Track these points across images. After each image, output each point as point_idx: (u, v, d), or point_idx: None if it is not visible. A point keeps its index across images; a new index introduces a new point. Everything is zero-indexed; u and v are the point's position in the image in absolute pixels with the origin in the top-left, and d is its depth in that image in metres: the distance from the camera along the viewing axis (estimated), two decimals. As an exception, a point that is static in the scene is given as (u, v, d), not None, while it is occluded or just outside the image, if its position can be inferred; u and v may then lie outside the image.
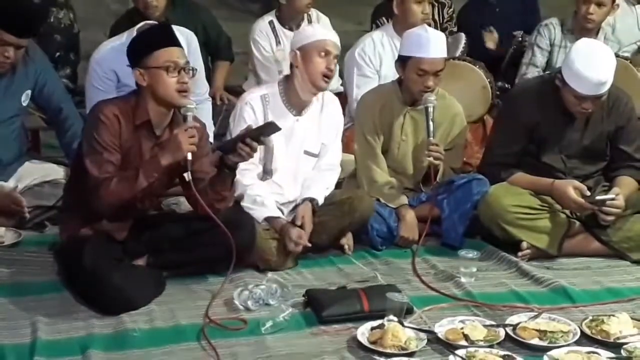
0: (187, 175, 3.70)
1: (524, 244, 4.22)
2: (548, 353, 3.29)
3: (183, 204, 4.26)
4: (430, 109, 4.27)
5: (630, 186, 4.30)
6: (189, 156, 3.66)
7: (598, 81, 4.04)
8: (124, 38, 4.64)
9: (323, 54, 4.14)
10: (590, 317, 3.55)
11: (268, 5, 6.53)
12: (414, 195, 4.54)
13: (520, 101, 4.36)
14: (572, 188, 4.16)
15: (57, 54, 5.49)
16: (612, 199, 4.13)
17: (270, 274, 3.94)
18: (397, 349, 3.30)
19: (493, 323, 3.52)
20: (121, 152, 3.73)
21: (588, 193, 4.16)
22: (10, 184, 4.46)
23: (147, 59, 3.71)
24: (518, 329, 3.45)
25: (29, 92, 4.52)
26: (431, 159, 4.25)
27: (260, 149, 3.93)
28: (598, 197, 4.17)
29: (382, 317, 3.44)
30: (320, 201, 4.21)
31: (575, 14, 5.46)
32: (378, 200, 4.38)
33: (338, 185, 4.44)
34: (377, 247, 4.35)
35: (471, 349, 3.29)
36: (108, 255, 3.73)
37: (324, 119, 4.33)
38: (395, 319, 3.41)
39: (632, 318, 3.53)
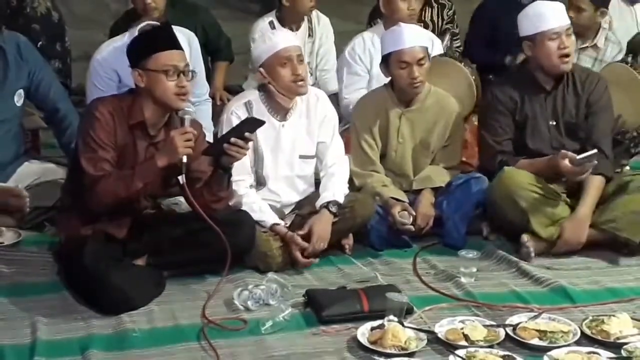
0: (182, 179, 3.70)
1: (524, 237, 4.22)
2: (548, 353, 3.29)
3: (183, 204, 4.24)
4: None
5: (599, 188, 4.31)
6: (185, 159, 3.66)
7: (554, 9, 4.34)
8: (126, 38, 4.64)
9: (285, 62, 4.07)
10: (591, 317, 3.55)
11: (268, 5, 6.52)
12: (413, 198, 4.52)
13: (497, 88, 4.52)
14: (561, 159, 4.19)
15: (39, 43, 5.38)
16: (592, 155, 4.15)
17: (270, 274, 3.92)
18: (397, 349, 3.30)
19: (493, 323, 3.52)
20: (116, 150, 3.73)
21: (577, 157, 4.18)
22: (9, 185, 4.45)
23: (146, 61, 3.70)
24: (518, 329, 3.45)
25: (21, 91, 4.50)
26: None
27: (250, 156, 3.92)
28: (579, 157, 4.17)
29: (382, 317, 3.43)
30: (340, 198, 4.15)
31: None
32: (381, 206, 4.34)
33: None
34: (377, 247, 4.34)
35: (471, 349, 3.29)
36: (108, 255, 3.73)
37: (314, 119, 4.27)
38: (395, 319, 3.41)
39: (632, 318, 3.53)
